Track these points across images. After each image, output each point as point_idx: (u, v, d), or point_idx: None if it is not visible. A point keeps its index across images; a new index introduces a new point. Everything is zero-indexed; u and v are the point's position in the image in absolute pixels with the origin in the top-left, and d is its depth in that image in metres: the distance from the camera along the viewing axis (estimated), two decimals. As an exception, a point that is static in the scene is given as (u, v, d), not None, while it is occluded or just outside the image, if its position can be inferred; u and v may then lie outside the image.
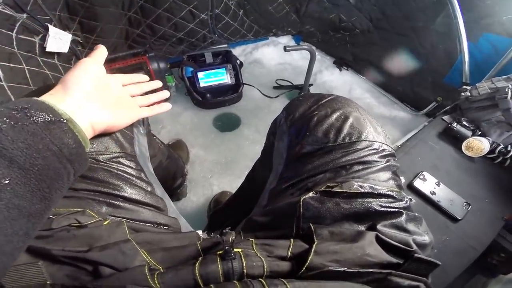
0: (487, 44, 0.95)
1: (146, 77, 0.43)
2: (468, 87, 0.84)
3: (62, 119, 0.26)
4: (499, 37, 0.92)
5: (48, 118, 0.25)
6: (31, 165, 0.22)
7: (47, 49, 0.80)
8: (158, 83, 0.43)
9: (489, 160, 0.76)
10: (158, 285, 0.25)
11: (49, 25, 0.79)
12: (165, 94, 0.44)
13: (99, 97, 0.33)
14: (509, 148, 0.74)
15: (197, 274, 0.26)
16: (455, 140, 0.79)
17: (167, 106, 0.42)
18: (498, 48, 0.92)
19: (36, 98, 0.26)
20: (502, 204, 0.71)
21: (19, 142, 0.22)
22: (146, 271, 0.25)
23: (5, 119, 0.22)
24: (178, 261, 0.29)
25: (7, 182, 0.20)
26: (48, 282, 0.24)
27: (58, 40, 0.84)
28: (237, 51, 1.44)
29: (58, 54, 0.87)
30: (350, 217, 0.33)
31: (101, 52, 0.36)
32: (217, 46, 1.29)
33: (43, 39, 0.80)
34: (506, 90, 0.74)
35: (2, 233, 0.20)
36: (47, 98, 0.28)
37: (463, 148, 0.76)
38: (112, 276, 0.25)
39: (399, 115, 1.24)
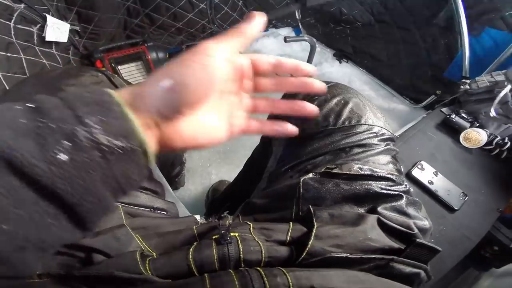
0: (489, 38, 0.95)
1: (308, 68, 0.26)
2: (468, 81, 0.84)
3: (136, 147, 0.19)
4: (501, 32, 0.93)
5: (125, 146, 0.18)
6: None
7: (46, 39, 0.80)
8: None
9: (486, 152, 0.77)
10: (149, 271, 0.24)
11: (47, 15, 0.79)
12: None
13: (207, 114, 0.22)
14: (506, 140, 0.74)
15: (191, 260, 0.25)
16: (453, 131, 0.79)
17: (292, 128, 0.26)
18: (499, 43, 0.93)
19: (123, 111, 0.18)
20: (497, 196, 0.72)
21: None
22: (138, 257, 0.24)
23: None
24: (173, 246, 0.28)
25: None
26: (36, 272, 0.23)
27: (56, 29, 0.84)
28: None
29: (56, 43, 0.87)
30: (350, 199, 0.33)
31: (246, 33, 0.22)
32: (217, 37, 1.28)
33: (41, 29, 0.80)
34: (505, 83, 0.74)
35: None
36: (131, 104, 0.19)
37: (461, 139, 0.76)
38: (101, 263, 0.24)
39: (397, 107, 1.24)
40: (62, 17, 0.87)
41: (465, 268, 0.92)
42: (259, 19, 0.22)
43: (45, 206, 0.16)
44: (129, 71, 1.09)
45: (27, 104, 0.18)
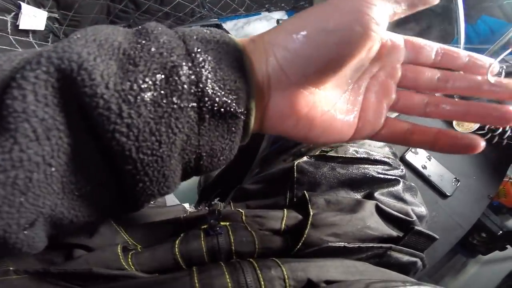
0: (485, 26, 0.95)
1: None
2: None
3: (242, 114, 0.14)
4: (497, 21, 0.92)
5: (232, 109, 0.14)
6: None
7: (20, 27, 0.77)
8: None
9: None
10: (132, 266, 0.22)
11: (21, 3, 0.75)
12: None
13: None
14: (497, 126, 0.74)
15: (177, 253, 0.23)
16: (447, 116, 0.79)
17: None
18: (495, 31, 0.92)
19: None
20: (488, 181, 0.72)
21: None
22: (119, 251, 0.22)
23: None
24: (158, 238, 0.26)
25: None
26: (11, 269, 0.20)
27: (32, 17, 0.80)
28: (228, 25, 1.37)
29: (33, 31, 0.83)
30: (346, 184, 0.32)
31: None
32: (207, 22, 1.23)
33: (16, 18, 0.76)
34: (500, 70, 0.74)
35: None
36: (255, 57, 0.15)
37: (454, 123, 0.76)
38: (79, 258, 0.22)
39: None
40: (39, 4, 0.83)
41: (453, 254, 0.95)
42: None
43: (84, 166, 0.12)
44: (114, 56, 1.05)
45: (136, 28, 0.13)
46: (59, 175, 0.11)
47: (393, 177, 0.33)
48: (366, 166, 0.32)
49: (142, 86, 0.11)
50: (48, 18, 0.84)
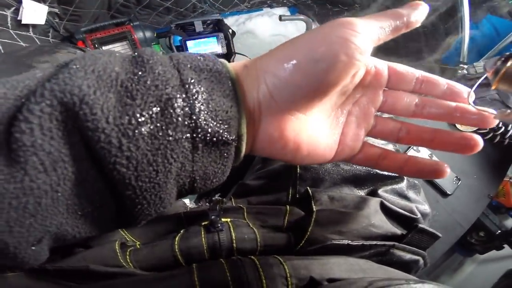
0: (489, 25, 0.95)
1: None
2: (465, 66, 0.83)
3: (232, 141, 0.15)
4: (502, 20, 0.92)
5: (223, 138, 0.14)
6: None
7: (22, 22, 0.77)
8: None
9: (479, 136, 0.77)
10: (130, 263, 0.22)
11: None
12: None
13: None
14: (500, 125, 0.74)
15: (177, 250, 0.23)
16: (449, 115, 0.79)
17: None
18: (500, 31, 0.92)
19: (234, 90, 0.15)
20: (489, 181, 0.72)
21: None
22: (117, 248, 0.22)
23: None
24: (158, 234, 0.26)
25: None
26: None
27: (33, 12, 0.80)
28: (229, 21, 1.36)
29: (34, 26, 0.83)
30: (350, 180, 0.31)
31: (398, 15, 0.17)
32: (208, 17, 1.22)
33: (16, 12, 0.77)
34: (483, 72, 0.73)
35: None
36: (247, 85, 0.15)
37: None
38: (76, 255, 0.21)
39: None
40: None
41: (451, 253, 0.95)
42: (424, 9, 0.17)
43: (86, 192, 0.13)
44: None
45: (132, 54, 0.14)
46: (64, 199, 0.13)
47: (397, 174, 0.32)
48: None
49: (140, 120, 0.12)
50: (49, 13, 0.84)
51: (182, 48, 1.05)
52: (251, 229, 0.25)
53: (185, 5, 1.14)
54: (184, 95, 0.13)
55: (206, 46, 1.10)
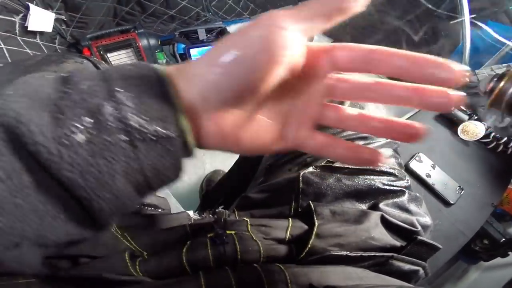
0: (490, 32, 0.94)
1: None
2: (468, 73, 0.83)
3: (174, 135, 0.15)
4: (503, 26, 0.92)
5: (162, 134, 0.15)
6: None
7: (29, 28, 0.78)
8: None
9: (482, 145, 0.76)
10: (140, 273, 0.22)
11: (30, 4, 0.75)
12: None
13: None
14: (499, 135, 0.74)
15: (184, 261, 0.24)
16: (451, 123, 0.79)
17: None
18: (501, 37, 0.92)
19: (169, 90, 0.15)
20: (492, 189, 0.72)
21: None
22: (127, 258, 0.23)
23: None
24: (165, 246, 0.27)
25: None
26: None
27: (40, 19, 0.81)
28: (232, 29, 1.38)
29: (41, 33, 0.84)
30: (351, 195, 0.32)
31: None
32: (212, 25, 1.24)
33: (24, 19, 0.77)
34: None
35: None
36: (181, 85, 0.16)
37: (459, 131, 0.76)
38: (88, 263, 0.22)
39: (395, 100, 1.23)
40: (47, 6, 0.84)
41: (454, 261, 0.94)
42: None
43: (48, 197, 0.14)
44: (119, 58, 1.05)
45: (61, 74, 0.15)
46: (29, 205, 0.14)
47: (399, 188, 0.33)
48: (372, 177, 0.32)
49: (72, 129, 0.13)
50: (56, 20, 0.85)
51: (185, 55, 1.07)
52: (255, 241, 0.26)
53: (189, 14, 1.16)
54: (112, 102, 0.14)
55: (209, 55, 1.11)
